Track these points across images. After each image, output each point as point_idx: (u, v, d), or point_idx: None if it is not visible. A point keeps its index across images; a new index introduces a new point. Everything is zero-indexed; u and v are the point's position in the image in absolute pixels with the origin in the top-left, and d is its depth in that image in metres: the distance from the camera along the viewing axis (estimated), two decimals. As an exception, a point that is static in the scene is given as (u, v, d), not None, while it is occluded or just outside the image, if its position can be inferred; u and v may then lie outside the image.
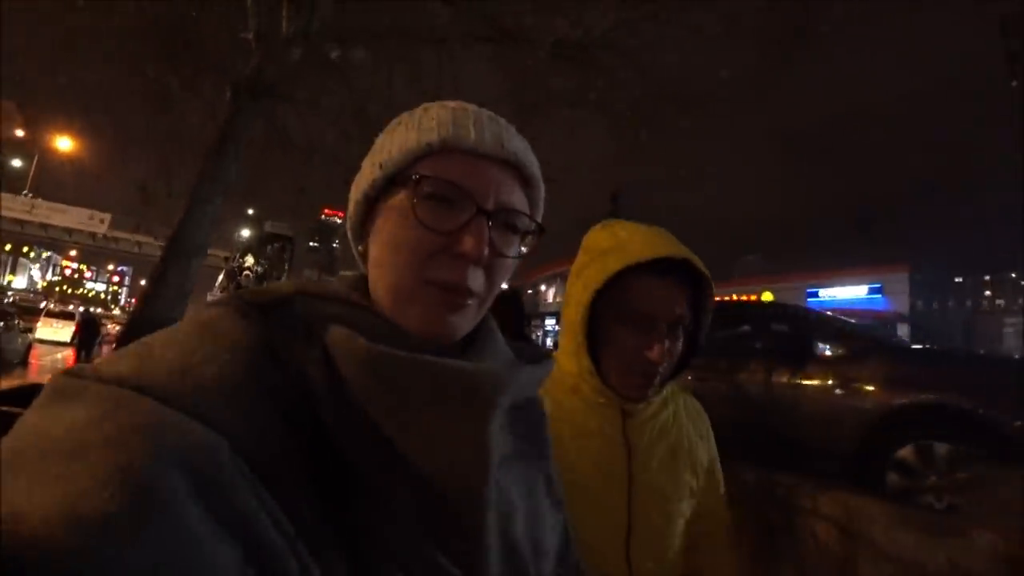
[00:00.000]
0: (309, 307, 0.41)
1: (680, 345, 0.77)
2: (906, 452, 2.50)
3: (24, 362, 10.38)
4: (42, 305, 21.04)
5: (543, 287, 41.53)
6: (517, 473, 0.47)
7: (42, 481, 0.23)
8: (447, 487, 0.37)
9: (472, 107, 0.49)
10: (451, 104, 0.49)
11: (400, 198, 0.45)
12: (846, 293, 34.50)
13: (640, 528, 0.78)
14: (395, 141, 0.46)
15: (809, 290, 35.60)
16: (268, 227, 25.16)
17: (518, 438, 0.49)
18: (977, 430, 2.36)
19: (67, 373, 0.31)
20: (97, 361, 0.32)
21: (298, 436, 0.34)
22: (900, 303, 33.02)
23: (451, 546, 0.37)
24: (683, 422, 0.87)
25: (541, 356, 0.53)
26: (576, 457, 0.75)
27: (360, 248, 0.50)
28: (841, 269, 36.30)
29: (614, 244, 0.78)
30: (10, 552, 0.20)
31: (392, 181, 0.46)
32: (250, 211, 10.33)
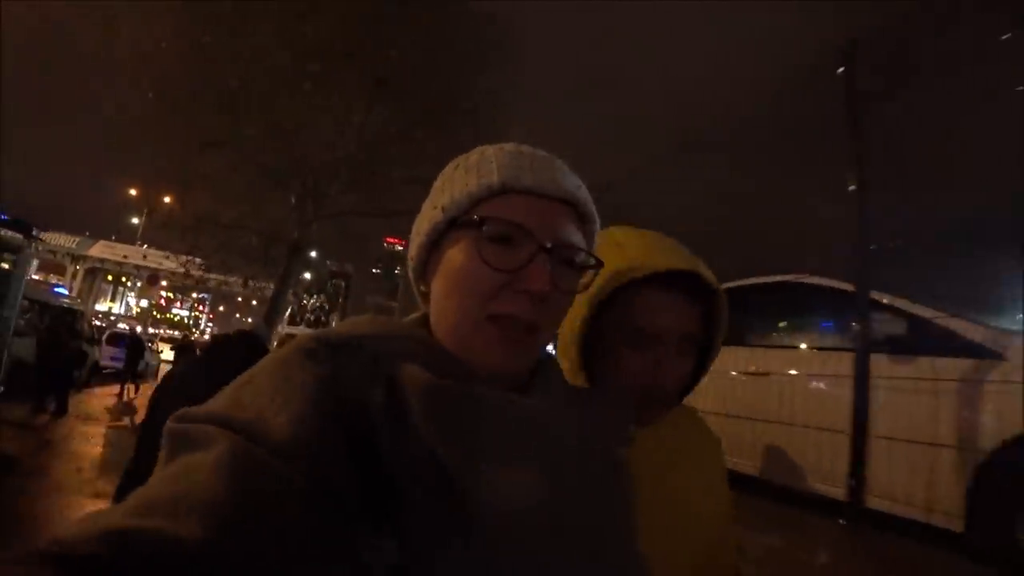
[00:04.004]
0: (376, 344, 0.45)
1: (689, 363, 0.71)
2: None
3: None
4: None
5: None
6: (594, 514, 0.46)
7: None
8: (495, 518, 0.38)
9: (526, 148, 0.51)
10: (506, 147, 0.51)
11: (463, 239, 0.47)
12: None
13: None
14: (455, 185, 0.49)
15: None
16: (330, 264, 27.34)
17: (599, 480, 0.48)
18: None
19: (181, 419, 0.38)
20: (211, 402, 0.40)
21: (354, 461, 0.37)
22: None
23: None
24: (696, 449, 0.80)
25: (621, 401, 0.54)
26: None
27: (422, 288, 0.53)
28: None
29: (615, 254, 0.71)
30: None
31: (454, 223, 0.48)
32: (313, 254, 14.52)
